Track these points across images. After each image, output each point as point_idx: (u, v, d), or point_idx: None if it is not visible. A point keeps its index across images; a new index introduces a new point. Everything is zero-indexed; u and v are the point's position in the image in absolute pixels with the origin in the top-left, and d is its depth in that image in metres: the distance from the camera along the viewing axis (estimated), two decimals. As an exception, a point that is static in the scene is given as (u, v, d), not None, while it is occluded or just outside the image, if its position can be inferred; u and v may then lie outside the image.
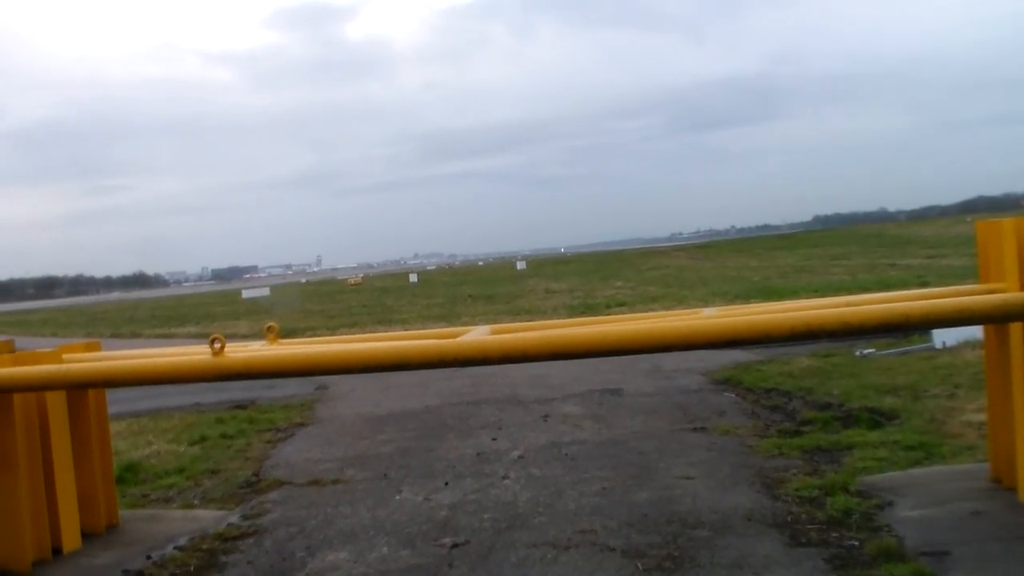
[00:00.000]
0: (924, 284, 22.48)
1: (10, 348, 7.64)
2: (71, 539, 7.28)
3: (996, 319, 6.48)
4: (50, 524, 7.15)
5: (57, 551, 7.15)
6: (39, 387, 6.97)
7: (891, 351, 14.19)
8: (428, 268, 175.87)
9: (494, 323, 11.35)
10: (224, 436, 12.03)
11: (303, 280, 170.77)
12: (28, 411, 7.07)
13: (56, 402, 7.26)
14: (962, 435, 8.73)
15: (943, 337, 13.97)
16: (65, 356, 7.61)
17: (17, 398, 6.92)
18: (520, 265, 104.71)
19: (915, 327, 7.28)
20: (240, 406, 14.56)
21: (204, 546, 7.32)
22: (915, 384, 11.38)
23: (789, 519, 6.84)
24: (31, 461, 7.05)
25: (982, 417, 8.25)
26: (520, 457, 9.59)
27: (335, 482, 9.17)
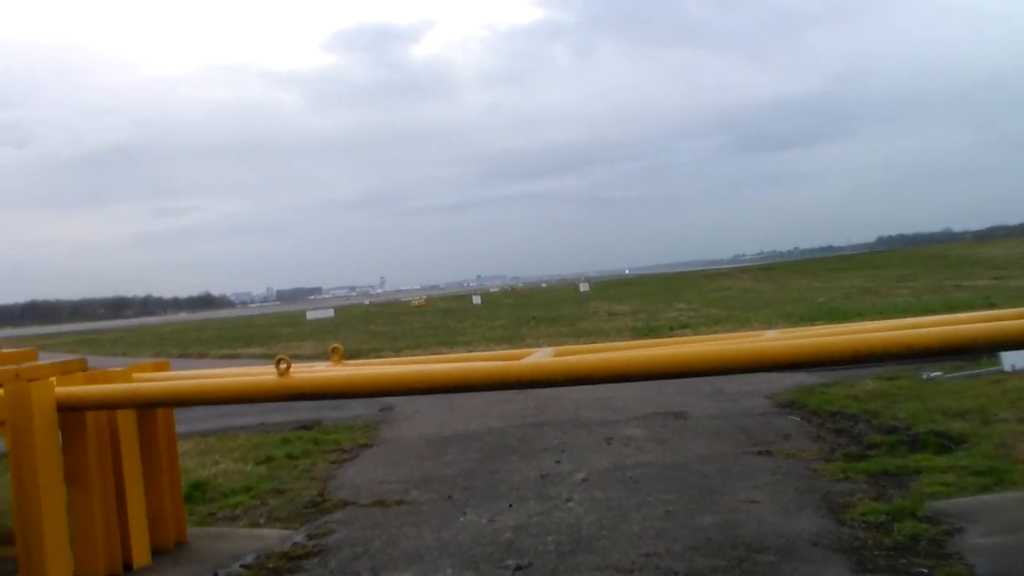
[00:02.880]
0: (992, 305, 22.08)
1: (82, 367, 7.82)
2: (141, 555, 7.41)
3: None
4: (121, 540, 7.28)
5: (128, 567, 7.28)
6: (110, 405, 7.12)
7: (959, 374, 13.94)
8: (491, 290, 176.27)
9: (557, 345, 11.36)
10: (289, 456, 12.14)
11: (367, 302, 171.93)
12: (100, 429, 7.22)
13: (127, 420, 7.41)
14: (1034, 461, 8.57)
15: (1012, 360, 13.70)
16: (135, 375, 7.75)
17: (90, 416, 7.07)
18: (583, 287, 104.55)
19: (983, 350, 7.20)
20: (305, 426, 14.68)
21: (270, 564, 7.39)
22: (984, 408, 11.16)
23: (856, 544, 6.74)
24: (103, 478, 7.19)
25: (1054, 442, 8.09)
26: (584, 480, 9.57)
27: (399, 503, 9.21)
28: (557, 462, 10.51)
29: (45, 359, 8.23)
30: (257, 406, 15.15)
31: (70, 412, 6.93)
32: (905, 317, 8.72)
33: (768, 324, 25.25)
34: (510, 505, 8.73)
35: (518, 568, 6.85)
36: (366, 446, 12.70)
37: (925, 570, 6.08)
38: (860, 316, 25.38)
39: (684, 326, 30.01)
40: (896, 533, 6.88)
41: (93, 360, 14.07)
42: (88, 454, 7.04)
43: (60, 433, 6.90)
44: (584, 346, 9.33)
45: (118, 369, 7.92)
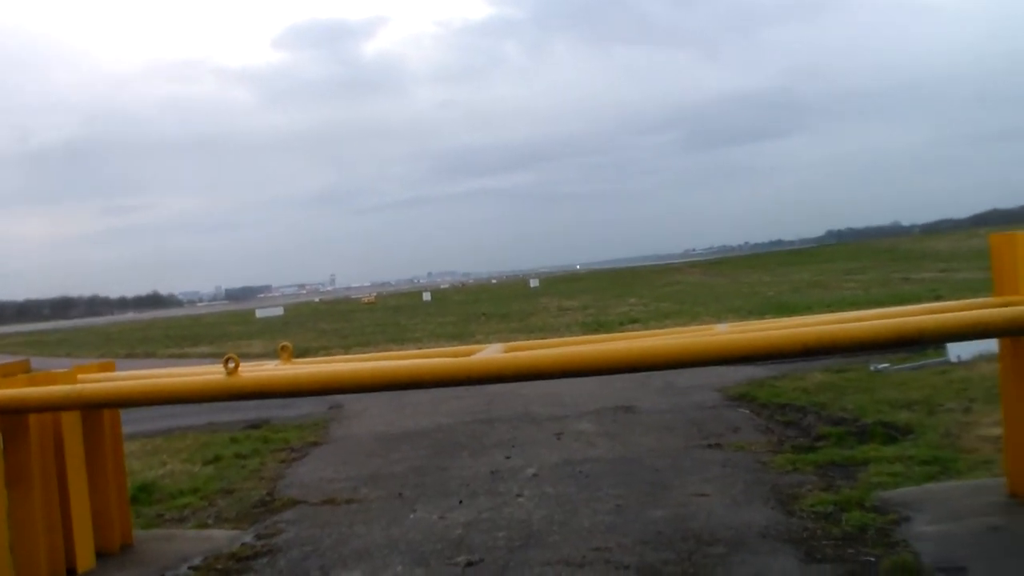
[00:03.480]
0: (938, 298, 22.39)
1: (26, 368, 7.68)
2: (85, 559, 7.29)
3: (1011, 332, 6.46)
4: (64, 543, 7.16)
5: (71, 571, 7.16)
6: (54, 407, 6.99)
7: (906, 365, 14.13)
8: (442, 286, 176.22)
9: (507, 341, 11.34)
10: (238, 456, 12.03)
11: (317, 299, 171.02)
12: (43, 431, 7.10)
13: (71, 422, 7.29)
14: (978, 449, 8.68)
15: (958, 351, 13.90)
16: (80, 376, 7.63)
17: (32, 418, 6.95)
18: (533, 283, 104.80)
19: (929, 341, 7.27)
20: (254, 426, 14.57)
21: (218, 566, 7.30)
22: (930, 398, 11.32)
23: (804, 535, 6.80)
24: (46, 480, 7.06)
25: (998, 431, 8.18)
26: (534, 475, 9.57)
27: (349, 501, 9.16)
28: (507, 458, 10.51)
29: (-14, 360, 8.09)
30: (205, 406, 14.96)
31: (12, 414, 6.80)
32: (853, 310, 8.78)
33: (718, 318, 25.44)
34: (460, 501, 8.71)
35: (469, 564, 6.83)
36: (315, 444, 12.62)
37: (873, 558, 6.14)
38: (809, 309, 25.68)
39: (634, 321, 30.15)
40: (844, 523, 6.94)
41: (38, 362, 13.84)
42: (30, 457, 6.91)
43: (1, 436, 6.77)
44: (534, 342, 9.34)
45: (62, 371, 7.80)
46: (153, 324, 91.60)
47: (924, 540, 6.38)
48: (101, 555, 7.51)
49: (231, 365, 6.50)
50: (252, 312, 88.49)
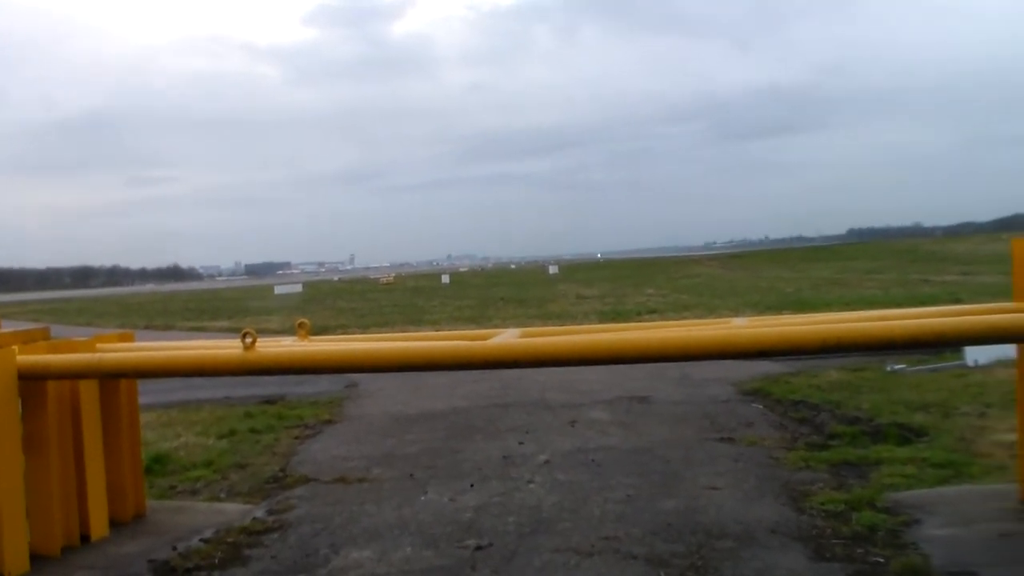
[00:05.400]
0: (957, 301, 22.27)
1: (46, 336, 7.73)
2: (99, 527, 7.36)
3: (1031, 338, 6.43)
4: (79, 511, 7.23)
5: (85, 538, 7.23)
6: (73, 375, 7.05)
7: (922, 367, 14.07)
8: (460, 269, 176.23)
9: (524, 327, 11.36)
10: (252, 431, 12.10)
11: (336, 278, 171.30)
12: (61, 399, 7.15)
13: (89, 391, 7.34)
14: (992, 454, 8.64)
15: (975, 355, 13.83)
16: (99, 346, 7.69)
17: (51, 385, 7.00)
18: (552, 269, 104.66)
19: (947, 344, 7.24)
20: (269, 401, 14.64)
21: (229, 539, 7.36)
22: (946, 401, 11.27)
23: (814, 533, 6.79)
24: (62, 448, 7.13)
25: (1013, 437, 8.16)
26: (546, 462, 9.59)
27: (361, 480, 9.20)
28: (520, 443, 10.53)
29: (8, 327, 8.15)
30: (222, 379, 15.02)
31: (31, 381, 6.85)
32: (872, 310, 8.74)
33: (736, 312, 25.37)
34: (472, 485, 8.74)
35: (478, 548, 6.86)
36: (330, 422, 12.68)
37: (882, 559, 6.14)
38: (828, 307, 25.56)
39: (652, 311, 30.08)
40: (854, 522, 6.93)
41: (57, 329, 13.95)
42: (48, 424, 6.97)
43: (20, 402, 6.83)
44: (551, 328, 9.34)
45: (82, 339, 7.86)
46: (173, 296, 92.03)
47: (934, 543, 6.36)
48: (115, 524, 7.58)
49: (248, 340, 6.52)
50: (271, 288, 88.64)
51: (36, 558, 6.76)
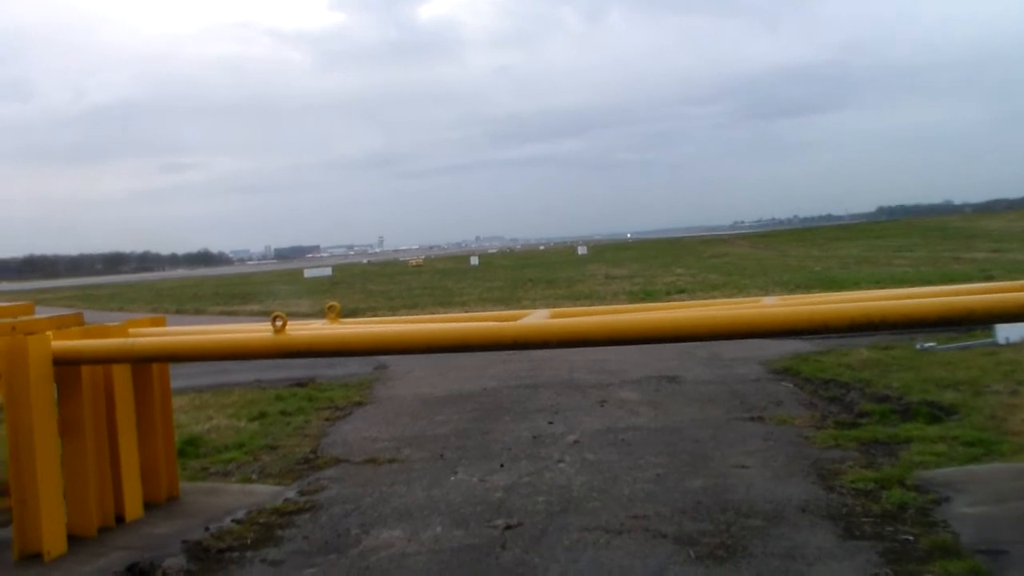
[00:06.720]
0: (989, 278, 22.11)
1: (79, 321, 7.83)
2: (133, 508, 7.46)
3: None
4: (114, 493, 7.33)
5: (120, 519, 7.33)
6: (106, 360, 7.14)
7: (952, 345, 13.99)
8: (489, 251, 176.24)
9: (553, 307, 11.37)
10: (283, 413, 12.21)
11: (365, 261, 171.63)
12: (95, 383, 7.24)
13: (122, 375, 7.43)
14: (1023, 432, 8.61)
15: (1007, 333, 13.74)
16: (131, 330, 7.77)
17: (85, 370, 7.09)
18: (581, 250, 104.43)
19: (978, 322, 7.21)
20: (300, 384, 14.74)
21: (261, 520, 7.44)
22: (976, 379, 11.21)
23: (844, 511, 6.79)
24: (97, 432, 7.22)
25: (1045, 414, 8.12)
26: (576, 441, 9.62)
27: (391, 461, 9.27)
28: (550, 423, 10.56)
29: (42, 313, 8.25)
30: (252, 363, 15.19)
31: (66, 366, 6.94)
32: (902, 287, 8.70)
33: (765, 291, 25.27)
34: (501, 465, 8.78)
35: (508, 528, 6.90)
36: (360, 404, 12.76)
37: (911, 538, 6.13)
38: (857, 285, 25.44)
39: (681, 291, 30.04)
40: (884, 501, 6.92)
41: (90, 315, 14.09)
42: (83, 408, 7.06)
43: (56, 386, 6.92)
44: (580, 308, 9.35)
45: (114, 324, 7.94)
46: (203, 281, 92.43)
47: (964, 521, 6.35)
48: (148, 505, 7.67)
49: (279, 323, 6.57)
50: (301, 272, 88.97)
51: (73, 539, 6.86)
